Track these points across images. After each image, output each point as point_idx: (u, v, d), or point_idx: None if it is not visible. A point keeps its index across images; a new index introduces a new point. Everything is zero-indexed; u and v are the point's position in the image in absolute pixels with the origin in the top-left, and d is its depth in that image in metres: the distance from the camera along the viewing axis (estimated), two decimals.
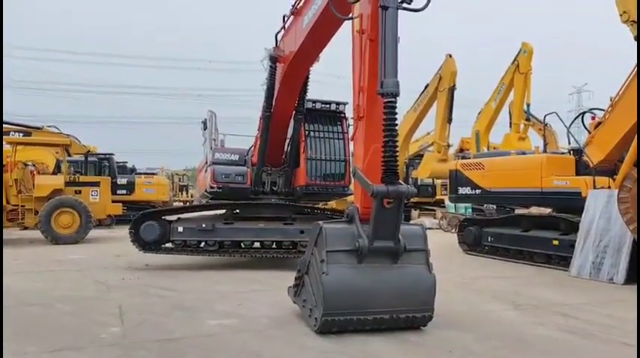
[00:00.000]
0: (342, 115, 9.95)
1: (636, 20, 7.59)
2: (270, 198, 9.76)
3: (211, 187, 9.81)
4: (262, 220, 9.19)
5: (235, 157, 10.23)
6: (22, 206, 13.38)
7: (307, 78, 8.98)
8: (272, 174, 9.94)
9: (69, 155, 15.36)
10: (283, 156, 9.95)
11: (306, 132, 9.61)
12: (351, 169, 8.73)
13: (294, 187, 9.93)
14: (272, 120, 9.23)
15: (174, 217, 9.21)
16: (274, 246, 9.13)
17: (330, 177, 9.68)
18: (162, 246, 9.02)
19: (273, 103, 9.09)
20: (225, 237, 8.95)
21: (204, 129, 10.91)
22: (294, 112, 9.36)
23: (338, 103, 9.92)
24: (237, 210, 9.36)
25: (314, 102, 9.69)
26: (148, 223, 8.82)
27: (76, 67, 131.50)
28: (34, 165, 15.44)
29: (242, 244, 9.13)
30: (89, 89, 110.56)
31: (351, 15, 5.36)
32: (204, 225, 8.87)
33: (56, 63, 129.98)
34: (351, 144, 5.56)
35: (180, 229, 8.89)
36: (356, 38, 5.23)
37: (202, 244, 9.02)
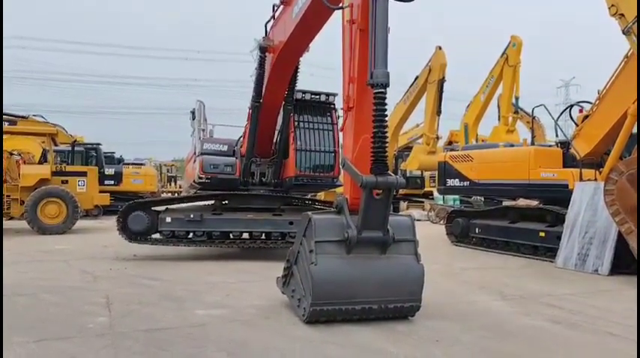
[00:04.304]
0: (332, 106, 9.91)
1: (623, 13, 7.64)
2: (259, 189, 9.73)
3: (200, 178, 9.75)
4: (251, 211, 9.18)
5: (224, 148, 10.16)
6: (7, 196, 13.23)
7: (297, 68, 8.93)
8: (261, 165, 9.90)
9: (55, 144, 15.19)
10: (272, 147, 9.91)
11: (296, 123, 9.56)
12: (340, 160, 8.73)
13: (283, 178, 9.91)
14: (261, 110, 9.17)
15: (162, 207, 9.17)
16: (263, 236, 9.12)
17: (319, 168, 9.65)
18: (150, 236, 8.99)
19: (263, 93, 9.03)
20: (213, 227, 8.94)
21: (193, 120, 10.83)
22: (283, 103, 9.32)
23: (328, 94, 9.87)
24: (226, 201, 9.35)
25: (304, 92, 9.63)
26: (136, 213, 8.78)
27: (63, 56, 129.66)
28: (20, 155, 15.26)
29: (231, 235, 9.13)
30: (76, 78, 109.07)
31: (341, 5, 5.33)
32: (192, 216, 8.85)
33: (43, 52, 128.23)
34: (341, 135, 5.55)
35: (169, 220, 8.86)
36: (346, 28, 5.21)
37: (191, 235, 9.00)
